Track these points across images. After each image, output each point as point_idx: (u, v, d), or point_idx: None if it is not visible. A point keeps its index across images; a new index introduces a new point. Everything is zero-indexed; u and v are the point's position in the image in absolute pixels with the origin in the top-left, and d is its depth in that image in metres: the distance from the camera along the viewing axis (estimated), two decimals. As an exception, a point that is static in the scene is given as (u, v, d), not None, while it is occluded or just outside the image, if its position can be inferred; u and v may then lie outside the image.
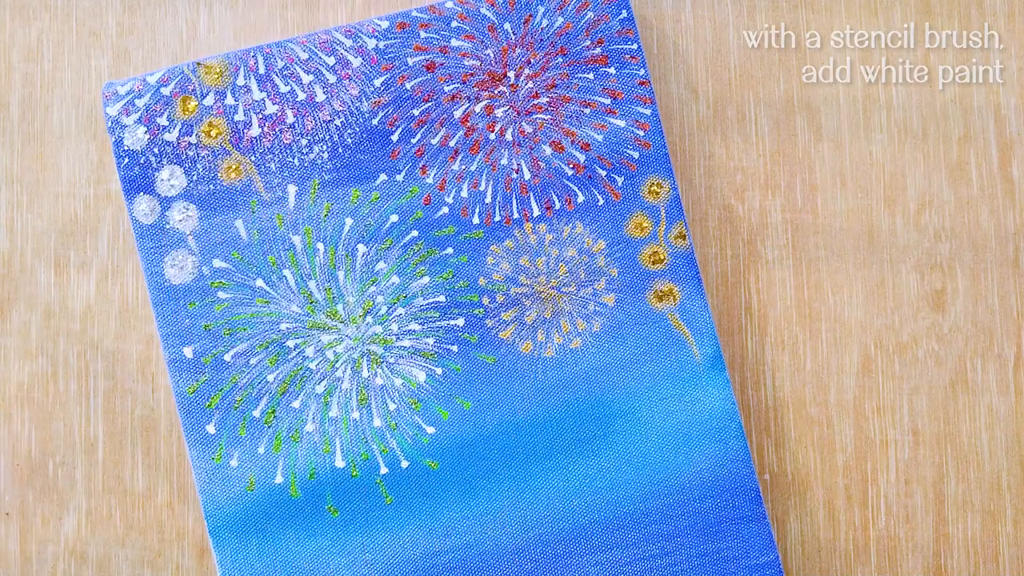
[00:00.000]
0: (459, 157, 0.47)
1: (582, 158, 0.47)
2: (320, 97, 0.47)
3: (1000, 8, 0.50)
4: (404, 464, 0.46)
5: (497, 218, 0.47)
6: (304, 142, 0.47)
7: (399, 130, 0.47)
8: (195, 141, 0.47)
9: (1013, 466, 0.49)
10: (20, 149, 0.50)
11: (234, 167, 0.47)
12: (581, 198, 0.47)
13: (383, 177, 0.47)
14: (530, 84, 0.47)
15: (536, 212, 0.47)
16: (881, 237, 0.49)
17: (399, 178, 0.47)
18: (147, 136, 0.47)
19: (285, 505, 0.46)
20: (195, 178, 0.47)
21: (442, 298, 0.47)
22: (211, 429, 0.46)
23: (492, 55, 0.47)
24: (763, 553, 0.46)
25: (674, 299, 0.47)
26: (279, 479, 0.46)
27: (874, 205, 0.50)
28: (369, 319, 0.47)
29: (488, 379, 0.46)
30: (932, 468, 0.49)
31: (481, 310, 0.47)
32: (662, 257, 0.47)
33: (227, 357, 0.46)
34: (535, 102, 0.47)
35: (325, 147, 0.47)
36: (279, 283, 0.47)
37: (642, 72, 0.47)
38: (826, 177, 0.50)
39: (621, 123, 0.47)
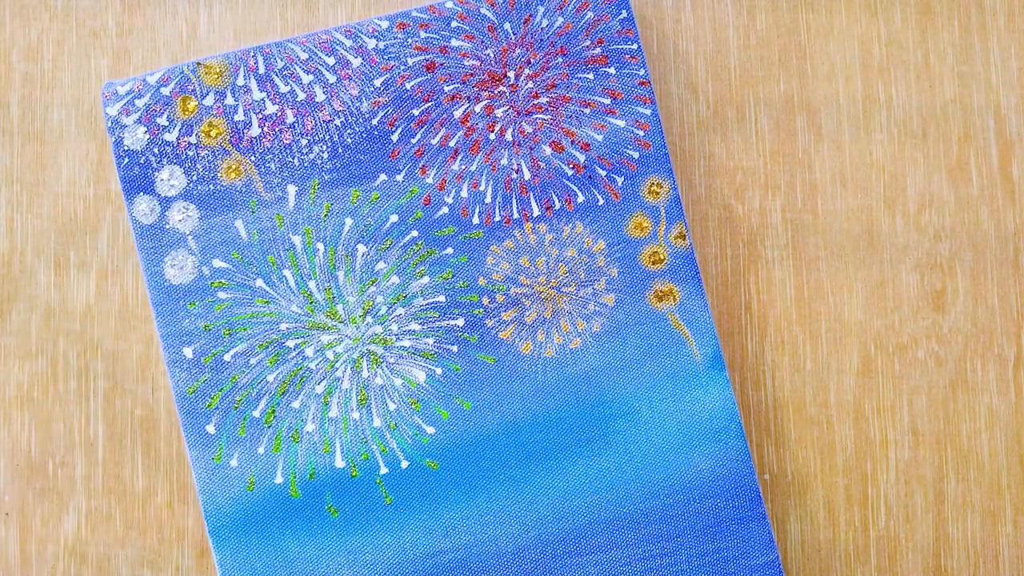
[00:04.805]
0: (459, 157, 0.47)
1: (582, 158, 0.47)
2: (320, 97, 0.47)
3: (1000, 8, 0.50)
4: (404, 464, 0.46)
5: (497, 218, 0.47)
6: (304, 142, 0.47)
7: (399, 130, 0.47)
8: (195, 141, 0.47)
9: (1013, 466, 0.49)
10: (20, 149, 0.50)
11: (234, 167, 0.47)
12: (581, 198, 0.47)
13: (383, 177, 0.47)
14: (530, 84, 0.47)
15: (536, 212, 0.47)
16: (881, 237, 0.49)
17: (399, 178, 0.47)
18: (147, 136, 0.47)
19: (285, 505, 0.46)
20: (195, 178, 0.47)
21: (442, 298, 0.47)
22: (211, 429, 0.46)
23: (492, 55, 0.47)
24: (763, 553, 0.46)
25: (674, 299, 0.47)
26: (279, 479, 0.46)
27: (874, 205, 0.50)
28: (369, 319, 0.47)
29: (488, 379, 0.46)
30: (932, 468, 0.49)
31: (481, 310, 0.47)
32: (662, 257, 0.47)
33: (227, 357, 0.46)
34: (535, 102, 0.47)
35: (325, 147, 0.47)
36: (279, 283, 0.47)
37: (642, 72, 0.47)
38: (826, 177, 0.50)
39: (621, 123, 0.47)
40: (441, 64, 0.47)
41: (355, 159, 0.47)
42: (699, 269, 0.47)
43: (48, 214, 0.49)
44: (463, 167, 0.47)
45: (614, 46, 0.47)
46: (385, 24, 0.47)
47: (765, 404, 0.49)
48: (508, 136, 0.47)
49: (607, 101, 0.47)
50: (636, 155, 0.47)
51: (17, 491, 0.49)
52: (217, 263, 0.47)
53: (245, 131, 0.47)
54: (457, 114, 0.47)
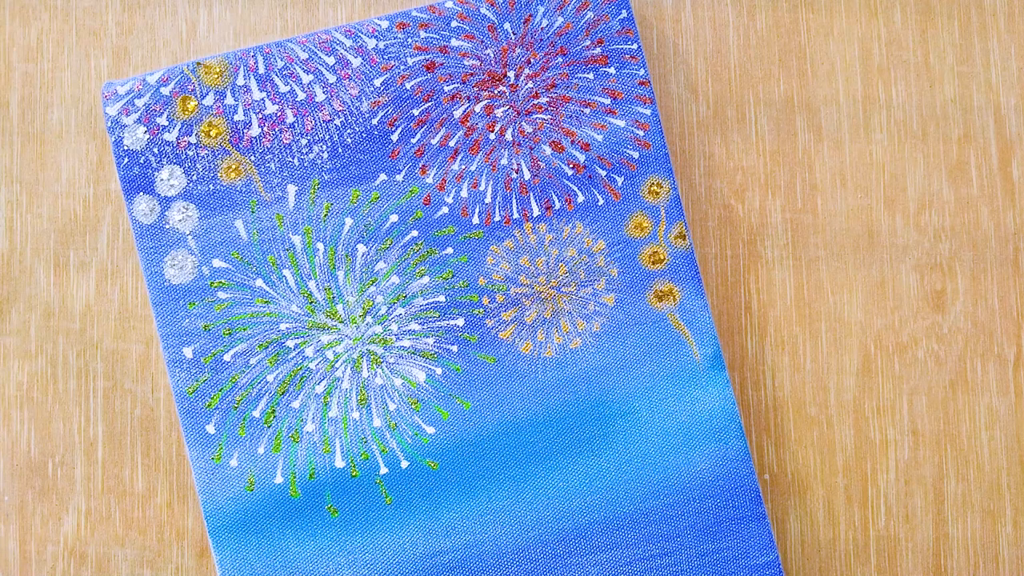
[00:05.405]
0: (459, 157, 0.47)
1: (582, 158, 0.47)
2: (320, 97, 0.47)
3: (1000, 8, 0.50)
4: (404, 464, 0.46)
5: (497, 218, 0.47)
6: (304, 142, 0.47)
7: (399, 130, 0.47)
8: (195, 141, 0.47)
9: (1013, 466, 0.49)
10: (20, 149, 0.50)
11: (234, 167, 0.47)
12: (581, 198, 0.47)
13: (383, 177, 0.47)
14: (530, 84, 0.47)
15: (536, 212, 0.47)
16: (881, 237, 0.49)
17: (399, 178, 0.47)
18: (147, 136, 0.47)
19: (285, 505, 0.46)
20: (195, 178, 0.47)
21: (442, 298, 0.47)
22: (211, 429, 0.46)
23: (492, 55, 0.47)
24: (763, 553, 0.46)
25: (674, 299, 0.47)
26: (279, 479, 0.46)
27: (874, 205, 0.50)
28: (369, 319, 0.47)
29: (488, 379, 0.46)
30: (932, 468, 0.49)
31: (481, 310, 0.47)
32: (662, 257, 0.47)
33: (227, 357, 0.46)
34: (535, 102, 0.47)
35: (325, 147, 0.47)
36: (279, 283, 0.47)
37: (642, 72, 0.47)
38: (826, 177, 0.50)
39: (621, 123, 0.47)
40: (441, 64, 0.47)
41: (355, 159, 0.47)
42: (699, 269, 0.47)
43: (48, 214, 0.49)
44: (463, 167, 0.47)
45: (614, 46, 0.47)
46: (385, 24, 0.47)
47: (765, 404, 0.49)
48: (508, 136, 0.47)
49: (607, 101, 0.47)
50: (636, 155, 0.47)
51: (17, 491, 0.49)
52: (217, 263, 0.47)
53: (245, 131, 0.47)
54: (457, 114, 0.47)
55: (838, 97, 0.50)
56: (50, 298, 0.49)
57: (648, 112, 0.47)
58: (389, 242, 0.47)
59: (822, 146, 0.50)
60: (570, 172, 0.47)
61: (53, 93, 0.50)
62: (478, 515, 0.46)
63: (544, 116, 0.47)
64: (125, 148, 0.47)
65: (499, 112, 0.47)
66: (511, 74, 0.47)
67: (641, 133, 0.47)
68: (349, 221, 0.47)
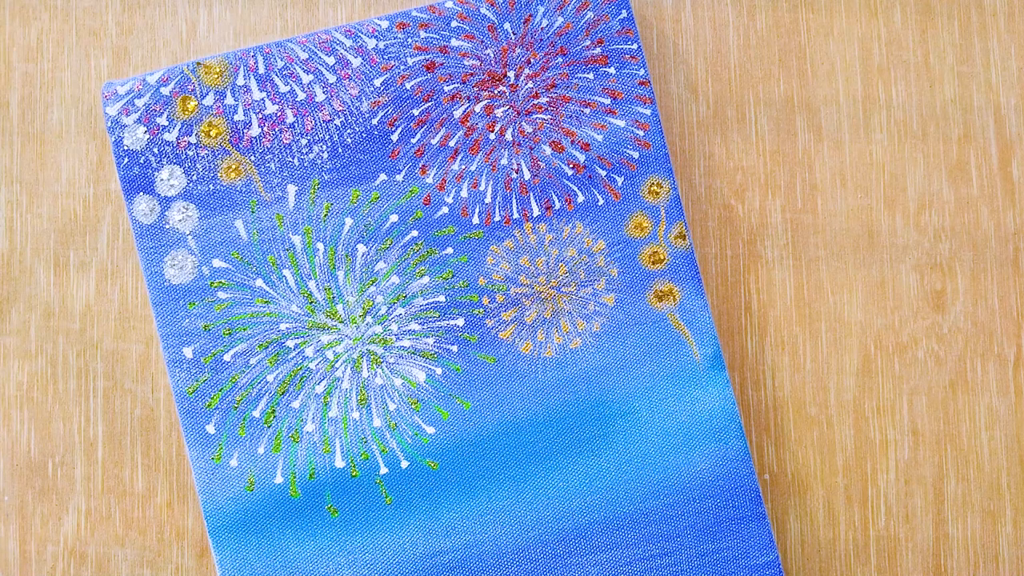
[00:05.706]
0: (459, 157, 0.47)
1: (582, 158, 0.47)
2: (320, 97, 0.47)
3: (1000, 8, 0.50)
4: (404, 464, 0.46)
5: (497, 218, 0.47)
6: (304, 142, 0.47)
7: (399, 130, 0.47)
8: (195, 141, 0.47)
9: (1013, 466, 0.49)
10: (20, 149, 0.50)
11: (234, 167, 0.47)
12: (581, 198, 0.47)
13: (383, 177, 0.47)
14: (530, 84, 0.47)
15: (536, 212, 0.47)
16: (881, 237, 0.49)
17: (399, 178, 0.47)
18: (147, 136, 0.47)
19: (285, 505, 0.46)
20: (195, 178, 0.47)
21: (442, 298, 0.47)
22: (211, 429, 0.46)
23: (492, 55, 0.47)
24: (763, 553, 0.46)
25: (674, 299, 0.47)
26: (279, 479, 0.46)
27: (874, 205, 0.50)
28: (369, 319, 0.47)
29: (488, 379, 0.46)
30: (932, 468, 0.49)
31: (481, 310, 0.47)
32: (662, 257, 0.47)
33: (227, 357, 0.46)
34: (535, 102, 0.47)
35: (325, 147, 0.47)
36: (279, 283, 0.47)
37: (642, 72, 0.47)
38: (826, 177, 0.50)
39: (621, 123, 0.47)
40: (441, 64, 0.47)
41: (355, 159, 0.47)
42: (699, 269, 0.47)
43: (48, 214, 0.49)
44: (463, 167, 0.47)
45: (614, 46, 0.47)
46: (385, 24, 0.47)
47: (765, 404, 0.49)
48: (508, 136, 0.47)
49: (607, 101, 0.47)
50: (636, 155, 0.47)
51: (17, 491, 0.49)
52: (217, 263, 0.47)
53: (245, 131, 0.47)
54: (457, 114, 0.47)
55: (838, 97, 0.50)
56: (50, 298, 0.49)
57: (648, 112, 0.47)
58: (389, 242, 0.47)
59: (822, 146, 0.50)
60: (570, 172, 0.47)
61: (53, 93, 0.50)
62: (478, 515, 0.46)
63: (544, 116, 0.47)
64: (125, 148, 0.47)
65: (499, 112, 0.47)
66: (511, 74, 0.47)
67: (641, 133, 0.47)
68: (349, 221, 0.47)
